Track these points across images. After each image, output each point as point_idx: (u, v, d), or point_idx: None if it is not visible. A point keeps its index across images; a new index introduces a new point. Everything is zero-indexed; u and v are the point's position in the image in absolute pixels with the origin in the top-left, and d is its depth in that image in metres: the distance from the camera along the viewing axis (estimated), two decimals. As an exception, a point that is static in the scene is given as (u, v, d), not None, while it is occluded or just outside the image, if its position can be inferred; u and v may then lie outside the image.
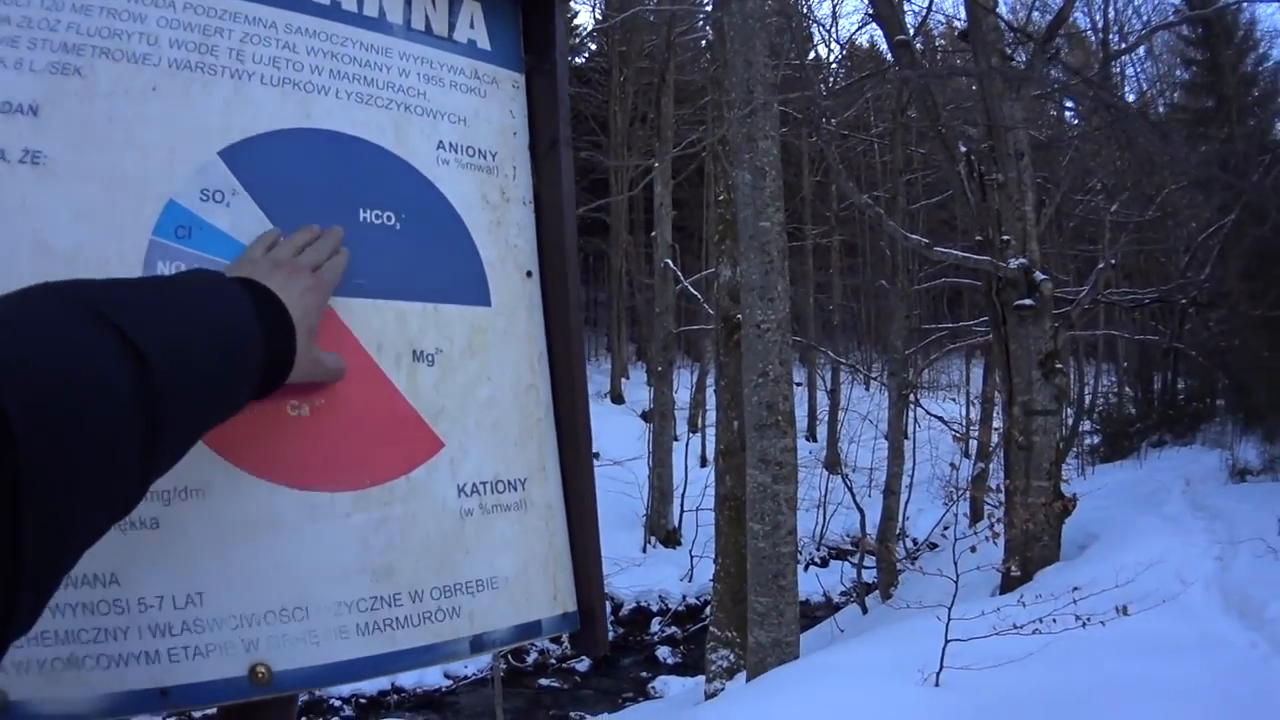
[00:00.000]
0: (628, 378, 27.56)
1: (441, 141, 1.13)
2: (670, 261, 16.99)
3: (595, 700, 11.52)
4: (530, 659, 12.57)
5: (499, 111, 1.20)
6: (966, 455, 17.03)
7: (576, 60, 27.88)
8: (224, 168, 0.96)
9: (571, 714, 11.10)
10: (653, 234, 18.88)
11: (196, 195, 0.94)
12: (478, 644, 1.06)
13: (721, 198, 10.52)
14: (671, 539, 16.59)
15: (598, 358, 29.45)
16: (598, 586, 1.17)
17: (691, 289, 16.14)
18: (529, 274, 1.19)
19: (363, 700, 11.06)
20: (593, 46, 28.89)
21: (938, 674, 4.65)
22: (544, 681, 12.19)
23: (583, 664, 12.63)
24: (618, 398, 25.61)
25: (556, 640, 12.32)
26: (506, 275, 1.16)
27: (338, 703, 10.98)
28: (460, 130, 1.15)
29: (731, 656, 8.76)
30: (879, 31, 10.40)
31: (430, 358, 1.06)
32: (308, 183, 1.01)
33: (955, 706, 4.40)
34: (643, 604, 14.52)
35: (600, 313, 32.04)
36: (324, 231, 0.98)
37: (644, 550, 16.09)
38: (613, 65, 25.52)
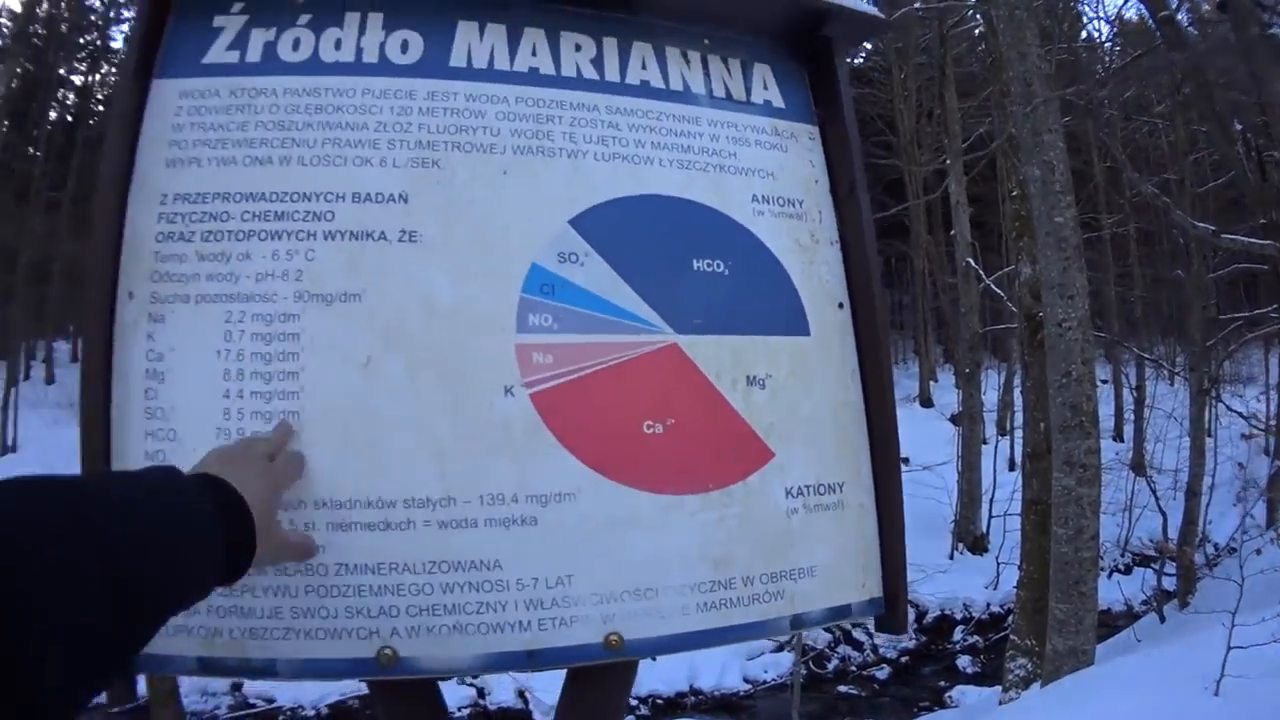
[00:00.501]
0: (935, 380, 26.64)
1: (755, 195, 1.29)
2: (971, 260, 16.39)
3: (891, 708, 11.28)
4: (831, 666, 12.47)
5: (800, 163, 1.35)
6: (1266, 453, 15.41)
7: (855, 62, 27.38)
8: (575, 234, 1.17)
9: (865, 721, 11.00)
10: (952, 232, 18.30)
11: (555, 258, 1.15)
12: (796, 622, 1.21)
13: (1014, 193, 10.15)
14: (979, 545, 15.93)
15: (905, 362, 28.67)
16: (901, 576, 1.29)
17: (994, 287, 15.50)
18: (840, 305, 1.33)
19: (659, 701, 11.15)
20: (868, 46, 28.30)
21: (1218, 682, 4.43)
22: (842, 688, 12.06)
23: (882, 672, 12.40)
24: (926, 401, 24.86)
25: (858, 648, 12.40)
26: (821, 308, 1.30)
27: (633, 702, 10.98)
28: (770, 183, 1.31)
29: (1029, 665, 8.32)
30: (1146, 5, 9.57)
31: (761, 381, 1.22)
32: (646, 241, 1.20)
33: (1229, 715, 4.18)
34: (947, 612, 14.03)
35: (905, 315, 31.08)
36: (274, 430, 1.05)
37: (951, 557, 15.54)
38: (891, 63, 24.92)
